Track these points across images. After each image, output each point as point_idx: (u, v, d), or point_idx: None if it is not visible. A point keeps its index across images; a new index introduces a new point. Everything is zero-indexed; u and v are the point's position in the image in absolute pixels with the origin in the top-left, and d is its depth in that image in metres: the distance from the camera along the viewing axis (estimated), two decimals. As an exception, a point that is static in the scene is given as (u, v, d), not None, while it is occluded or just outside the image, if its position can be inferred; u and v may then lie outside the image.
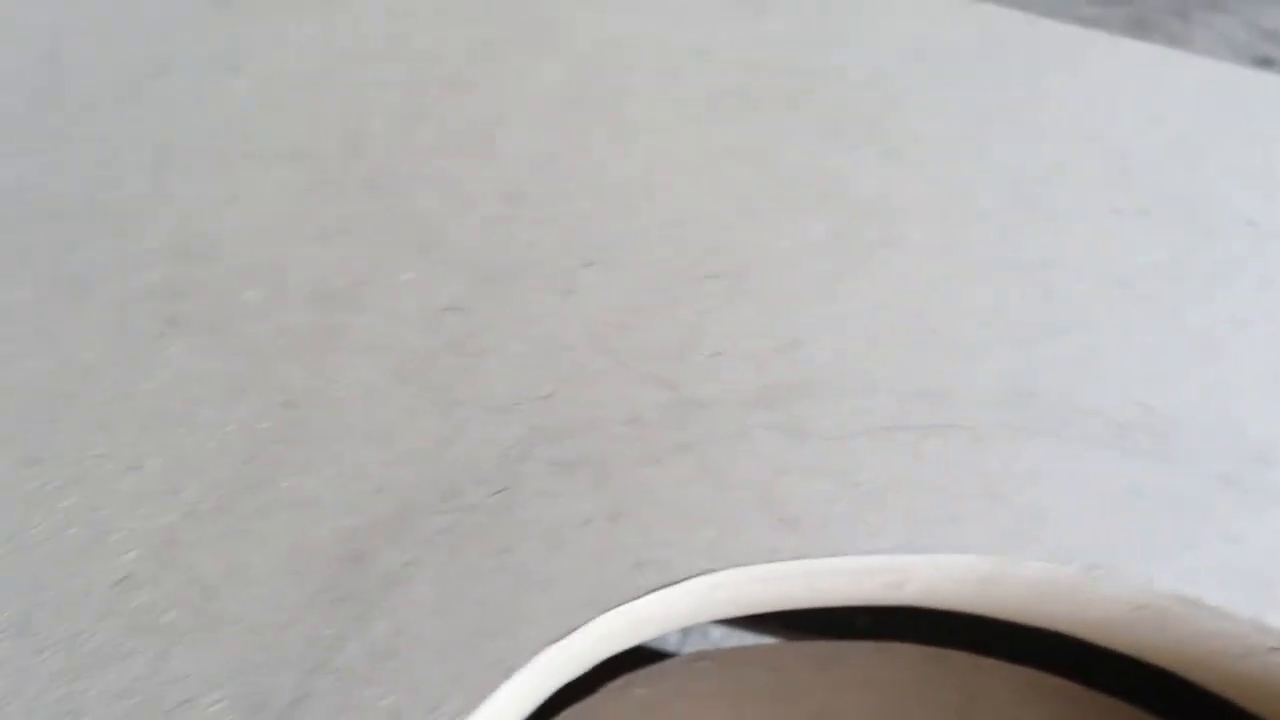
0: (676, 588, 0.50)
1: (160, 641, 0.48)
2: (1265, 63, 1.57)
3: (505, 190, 0.63)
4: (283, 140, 0.65)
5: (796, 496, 0.53)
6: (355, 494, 0.52)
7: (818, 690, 0.62)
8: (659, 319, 0.58)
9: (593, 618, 0.49)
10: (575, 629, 0.49)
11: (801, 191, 0.64)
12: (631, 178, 0.64)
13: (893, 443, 0.54)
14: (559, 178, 0.64)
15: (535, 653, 0.48)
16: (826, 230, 0.62)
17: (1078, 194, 0.65)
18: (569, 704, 0.60)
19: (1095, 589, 0.53)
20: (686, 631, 0.72)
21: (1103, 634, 0.59)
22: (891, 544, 0.52)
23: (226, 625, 0.49)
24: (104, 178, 0.63)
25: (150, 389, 0.55)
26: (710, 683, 0.62)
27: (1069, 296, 0.60)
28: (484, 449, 0.53)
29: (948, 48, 0.72)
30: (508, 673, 0.48)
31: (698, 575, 0.50)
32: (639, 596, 0.50)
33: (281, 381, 0.56)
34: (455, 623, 0.49)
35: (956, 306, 0.60)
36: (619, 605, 0.49)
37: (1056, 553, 0.52)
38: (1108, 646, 0.60)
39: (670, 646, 0.67)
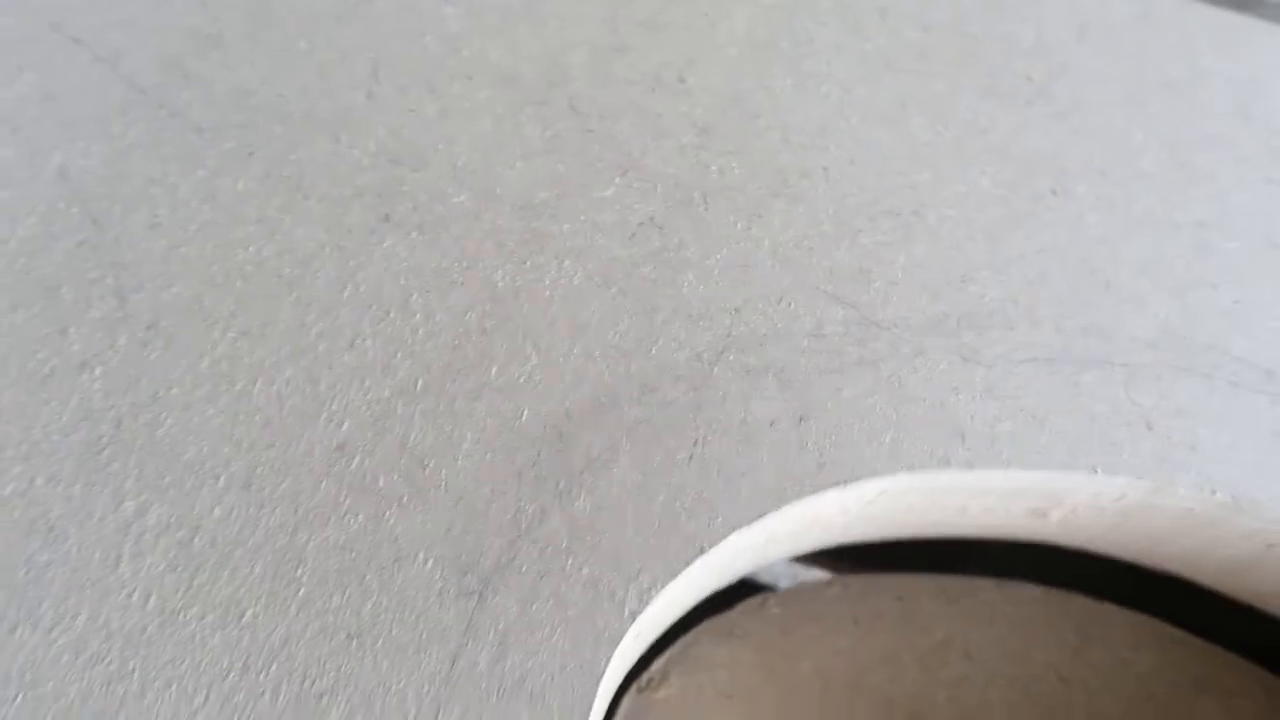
0: (853, 488, 0.54)
1: (375, 504, 0.52)
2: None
3: (697, 123, 0.67)
4: (490, 65, 0.69)
5: (966, 414, 0.56)
6: (558, 383, 0.56)
7: (943, 621, 0.65)
8: (841, 247, 0.62)
9: (778, 508, 0.53)
10: (763, 515, 0.52)
11: (974, 144, 0.67)
12: (814, 121, 0.68)
13: (1055, 373, 0.58)
14: (747, 116, 0.68)
15: (726, 534, 0.52)
16: (997, 180, 0.66)
17: (1233, 163, 0.68)
18: (706, 617, 0.63)
19: (1234, 523, 0.56)
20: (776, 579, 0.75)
21: (1228, 577, 0.61)
22: (1052, 463, 0.55)
23: (437, 493, 0.52)
24: (321, 89, 0.67)
25: (366, 277, 0.59)
26: (842, 606, 0.65)
27: (1222, 254, 0.63)
28: (679, 351, 0.57)
29: (1110, 25, 0.75)
30: (701, 550, 0.51)
31: (876, 476, 0.54)
32: (821, 491, 0.53)
33: (489, 278, 0.59)
34: (652, 503, 0.52)
35: (1117, 256, 0.63)
36: (803, 497, 0.53)
37: (1203, 484, 0.55)
38: (1229, 593, 0.63)
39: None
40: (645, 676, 0.61)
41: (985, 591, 0.66)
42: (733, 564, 0.55)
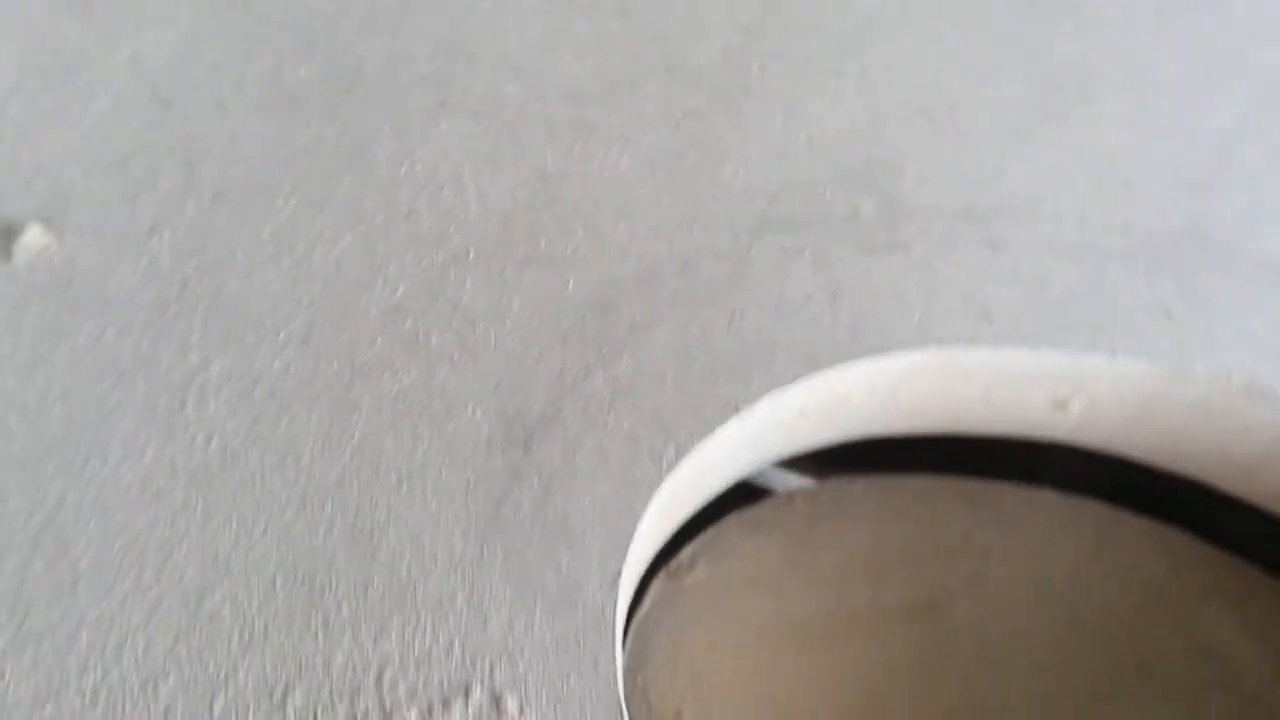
0: (883, 361, 0.56)
1: (427, 359, 0.55)
2: None
3: (741, 25, 0.70)
4: (542, -33, 0.72)
5: (992, 296, 0.58)
6: (604, 256, 0.58)
7: (962, 520, 0.67)
8: (875, 141, 0.64)
9: (811, 373, 0.55)
10: (797, 378, 0.55)
11: (1005, 51, 0.70)
12: (851, 28, 0.70)
13: (1078, 261, 0.60)
14: (787, 22, 0.70)
15: (760, 396, 0.54)
16: (1026, 85, 0.68)
17: (1257, 77, 0.70)
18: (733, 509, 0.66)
19: (1249, 414, 0.58)
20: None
21: (1241, 477, 0.63)
22: (1075, 344, 0.57)
23: (486, 352, 0.55)
24: (396, -16, 0.70)
25: (421, 157, 0.62)
26: (865, 504, 0.67)
27: (1243, 160, 0.65)
28: (719, 232, 0.60)
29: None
30: (736, 409, 0.54)
31: (905, 349, 0.56)
32: (853, 361, 0.56)
33: (539, 161, 0.62)
34: (691, 367, 0.55)
35: (1139, 157, 0.65)
36: (836, 363, 0.55)
37: (1220, 369, 0.57)
38: (1241, 496, 0.65)
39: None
40: (674, 562, 0.63)
41: (1005, 495, 0.67)
42: (764, 437, 0.57)
